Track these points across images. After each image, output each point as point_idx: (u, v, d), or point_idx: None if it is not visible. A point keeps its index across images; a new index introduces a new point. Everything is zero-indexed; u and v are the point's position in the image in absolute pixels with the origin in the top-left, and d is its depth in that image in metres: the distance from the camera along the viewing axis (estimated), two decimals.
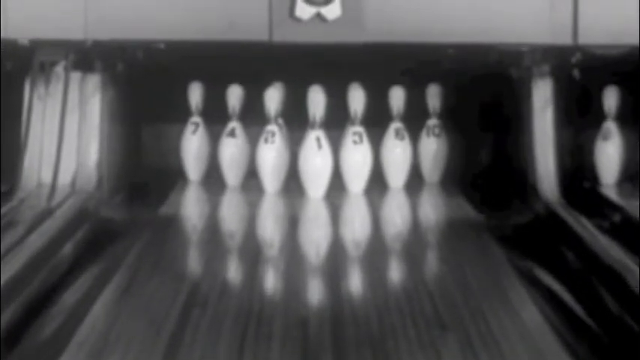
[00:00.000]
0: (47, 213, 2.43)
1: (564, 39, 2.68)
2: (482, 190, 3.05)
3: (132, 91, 2.99)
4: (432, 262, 2.47)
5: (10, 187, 2.67)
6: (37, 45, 2.70)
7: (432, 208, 3.01)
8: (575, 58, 2.85)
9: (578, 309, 2.01)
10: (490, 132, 3.18)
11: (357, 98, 2.97)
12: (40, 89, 2.71)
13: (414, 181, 3.08)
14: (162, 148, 3.17)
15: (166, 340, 1.80)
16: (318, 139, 2.90)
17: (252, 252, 2.47)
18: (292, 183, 2.96)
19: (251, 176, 3.01)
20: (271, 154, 2.95)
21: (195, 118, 3.10)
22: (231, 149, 3.04)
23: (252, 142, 3.00)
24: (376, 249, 2.51)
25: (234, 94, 3.04)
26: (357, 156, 2.97)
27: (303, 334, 1.84)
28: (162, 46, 2.82)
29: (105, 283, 2.12)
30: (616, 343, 1.83)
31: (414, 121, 3.07)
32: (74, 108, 2.72)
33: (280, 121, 2.98)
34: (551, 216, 2.57)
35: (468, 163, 3.17)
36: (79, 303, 2.01)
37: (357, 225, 2.79)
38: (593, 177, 3.00)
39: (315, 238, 2.64)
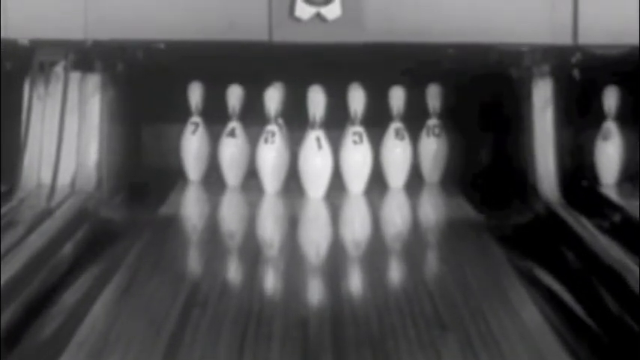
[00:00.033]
0: (47, 213, 2.43)
1: (564, 39, 2.68)
2: (483, 190, 3.05)
3: (132, 91, 2.99)
4: (432, 262, 2.47)
5: (10, 187, 2.67)
6: (36, 45, 2.70)
7: (432, 208, 3.01)
8: (575, 58, 2.85)
9: (578, 309, 2.01)
10: (490, 132, 3.18)
11: (357, 98, 2.97)
12: (40, 89, 2.71)
13: (414, 181, 3.08)
14: (162, 148, 3.17)
15: (166, 340, 1.79)
16: (318, 139, 2.90)
17: (252, 252, 2.47)
18: (292, 183, 2.96)
19: (251, 176, 3.01)
20: (271, 154, 2.94)
21: (195, 118, 3.10)
22: (231, 149, 3.04)
23: (252, 142, 2.99)
24: (376, 249, 2.51)
25: (234, 94, 3.04)
26: (357, 156, 2.97)
27: (303, 335, 1.84)
28: (162, 46, 2.82)
29: (105, 283, 2.12)
30: (616, 343, 1.83)
31: (414, 121, 3.07)
32: (74, 108, 2.72)
33: (280, 121, 2.97)
34: (551, 216, 2.57)
35: (468, 163, 3.16)
36: (78, 303, 2.01)
37: (357, 225, 2.79)
38: (593, 177, 3.00)
39: (315, 238, 2.64)
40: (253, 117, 2.99)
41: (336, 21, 2.67)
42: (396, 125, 3.04)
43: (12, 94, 2.75)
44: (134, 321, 1.91)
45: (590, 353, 1.79)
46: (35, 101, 2.70)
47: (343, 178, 2.97)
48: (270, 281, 2.25)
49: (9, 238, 2.18)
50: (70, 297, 2.05)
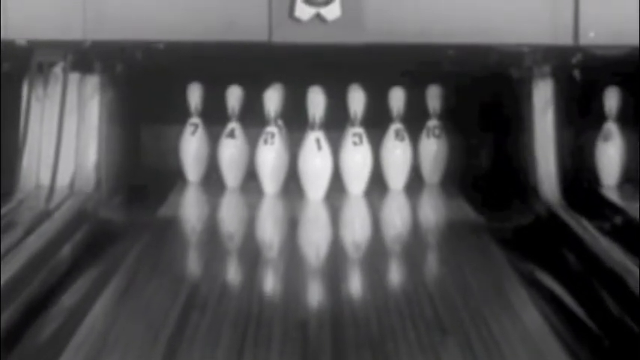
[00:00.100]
0: (46, 214, 2.42)
1: (565, 39, 2.68)
2: (483, 191, 3.05)
3: (131, 92, 2.99)
4: (432, 263, 2.46)
5: (9, 188, 2.66)
6: (35, 45, 2.70)
7: (432, 210, 3.00)
8: (576, 58, 2.85)
9: (578, 311, 2.00)
10: (490, 133, 3.18)
11: (356, 99, 2.97)
12: (39, 90, 2.70)
13: (414, 183, 3.07)
14: (162, 149, 3.17)
15: (165, 342, 1.79)
16: (317, 141, 2.90)
17: (251, 254, 2.46)
18: (292, 184, 2.95)
19: (250, 177, 3.01)
20: (271, 155, 2.94)
21: (195, 119, 3.09)
22: (231, 150, 3.03)
23: (252, 143, 2.99)
24: (376, 251, 2.51)
25: (234, 95, 3.04)
26: (357, 157, 2.96)
27: (303, 336, 1.84)
28: (161, 46, 2.81)
29: (104, 284, 2.11)
30: (617, 345, 1.82)
31: (414, 122, 3.06)
32: (73, 109, 2.72)
33: (280, 122, 2.97)
34: (552, 217, 2.57)
35: (468, 165, 3.16)
36: (78, 304, 2.01)
37: (356, 226, 2.79)
38: (594, 178, 2.99)
39: (315, 239, 2.63)
40: (253, 118, 2.99)
41: (336, 22, 2.66)
42: (396, 126, 3.03)
43: (11, 95, 2.74)
44: (133, 322, 1.91)
45: (590, 355, 1.79)
46: (34, 102, 2.69)
47: (343, 180, 2.97)
48: (270, 283, 2.25)
49: (8, 239, 2.18)
50: (69, 298, 2.05)
